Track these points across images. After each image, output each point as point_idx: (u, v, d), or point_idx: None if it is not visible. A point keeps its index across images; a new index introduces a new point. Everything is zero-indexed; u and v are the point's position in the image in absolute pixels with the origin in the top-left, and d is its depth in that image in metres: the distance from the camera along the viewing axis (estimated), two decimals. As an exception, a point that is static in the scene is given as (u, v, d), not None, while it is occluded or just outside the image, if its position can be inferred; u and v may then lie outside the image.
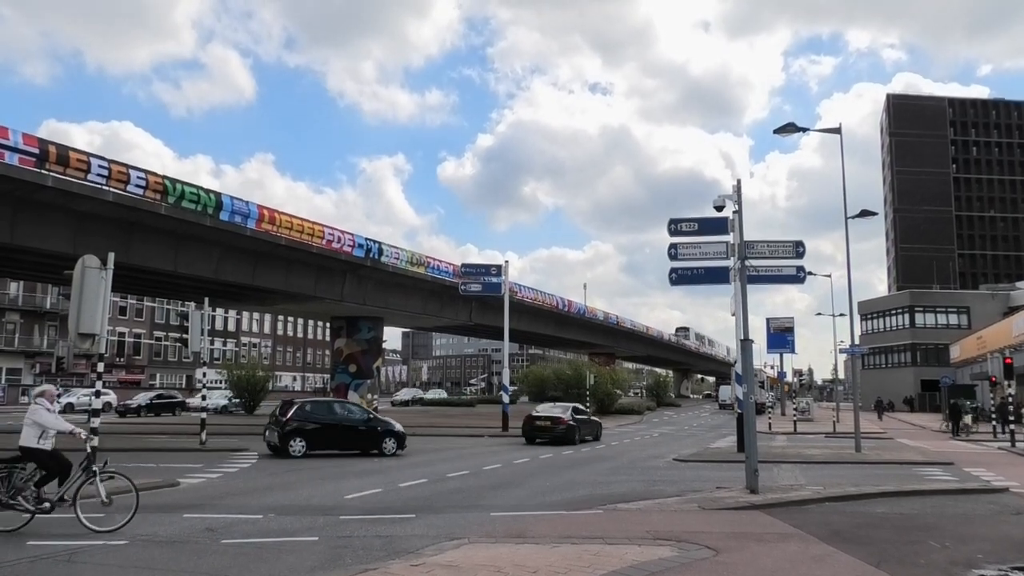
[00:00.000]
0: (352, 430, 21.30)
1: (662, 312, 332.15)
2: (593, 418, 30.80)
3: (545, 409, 28.72)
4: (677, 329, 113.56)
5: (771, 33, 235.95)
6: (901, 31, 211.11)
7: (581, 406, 31.75)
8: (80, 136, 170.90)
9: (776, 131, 19.37)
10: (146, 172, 24.11)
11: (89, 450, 9.60)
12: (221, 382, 56.94)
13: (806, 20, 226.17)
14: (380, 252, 34.99)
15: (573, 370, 55.19)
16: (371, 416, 22.69)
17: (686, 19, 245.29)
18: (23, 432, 9.47)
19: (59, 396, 45.31)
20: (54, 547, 8.40)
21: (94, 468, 9.57)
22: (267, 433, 21.23)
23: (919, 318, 77.13)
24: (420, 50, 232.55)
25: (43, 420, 9.42)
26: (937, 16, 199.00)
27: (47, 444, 9.44)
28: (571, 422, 26.59)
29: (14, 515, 9.34)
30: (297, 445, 20.02)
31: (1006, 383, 27.23)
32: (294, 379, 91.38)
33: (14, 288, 62.21)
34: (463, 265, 36.95)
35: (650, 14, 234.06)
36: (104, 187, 22.44)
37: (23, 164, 20.54)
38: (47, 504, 9.30)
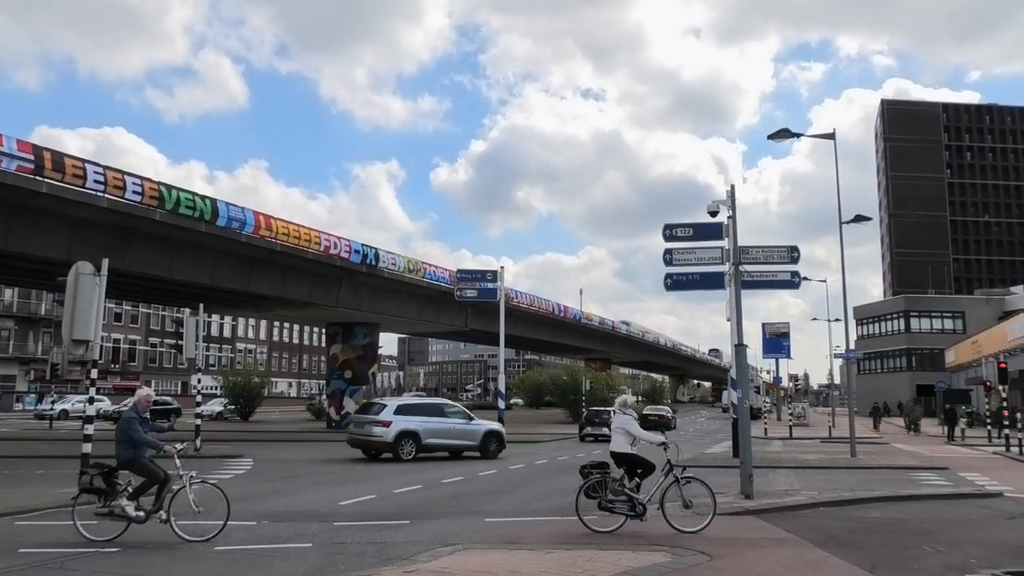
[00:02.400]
0: (656, 424, 33.85)
1: (657, 317, 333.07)
2: (673, 415, 48.39)
3: (653, 409, 48.56)
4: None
5: (761, 40, 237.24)
6: (889, 37, 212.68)
7: (669, 408, 54.54)
8: (72, 142, 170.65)
9: (771, 136, 19.41)
10: (142, 179, 24.09)
11: (668, 457, 10.12)
12: (217, 388, 56.78)
13: (795, 27, 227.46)
14: (376, 258, 34.97)
15: (569, 375, 55.12)
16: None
17: (677, 26, 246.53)
18: (615, 439, 10.26)
19: (53, 403, 45.26)
20: (46, 554, 8.36)
21: (674, 474, 10.04)
22: (588, 428, 31.81)
23: (914, 323, 77.22)
24: (412, 57, 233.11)
25: (634, 430, 10.21)
26: (923, 23, 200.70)
27: (635, 449, 10.18)
28: (669, 415, 44.78)
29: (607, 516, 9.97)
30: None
31: (1001, 388, 27.26)
32: (290, 385, 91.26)
33: (9, 294, 62.10)
34: (459, 271, 36.86)
35: (641, 21, 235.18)
36: (100, 194, 22.41)
37: (20, 171, 20.50)
38: (640, 507, 9.80)
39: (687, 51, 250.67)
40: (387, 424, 20.50)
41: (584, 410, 35.39)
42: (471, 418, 22.57)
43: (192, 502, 9.19)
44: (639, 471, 10.04)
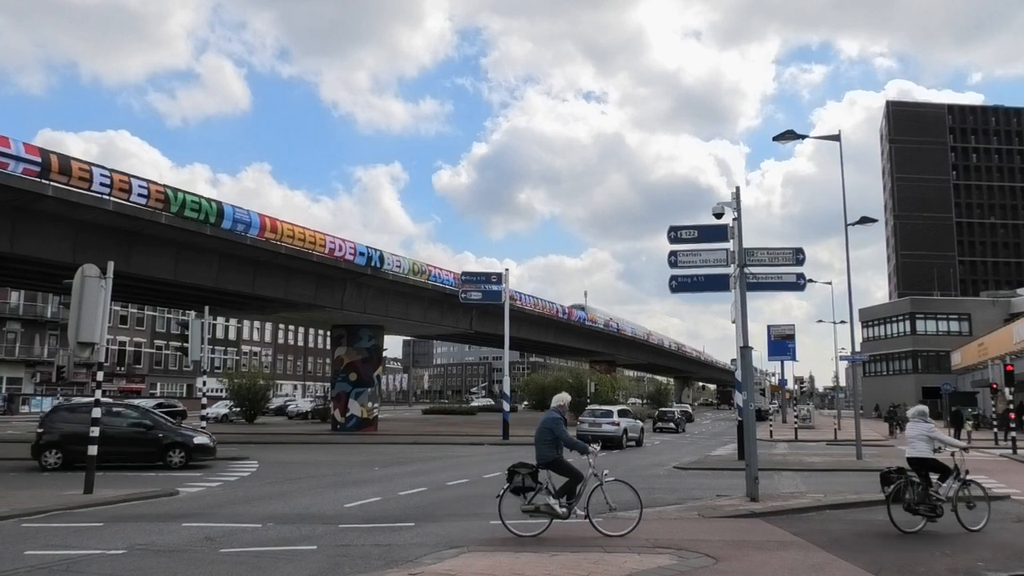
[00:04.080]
0: (685, 417, 48.91)
1: (661, 319, 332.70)
2: (688, 411, 58.14)
3: (678, 406, 60.42)
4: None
5: (762, 42, 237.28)
6: (889, 40, 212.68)
7: (688, 405, 69.87)
8: (76, 145, 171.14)
9: (776, 138, 19.38)
10: (148, 182, 24.14)
11: (957, 462, 10.63)
12: (222, 391, 56.79)
13: (795, 29, 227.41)
14: (381, 260, 34.97)
15: (574, 378, 55.02)
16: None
17: (677, 28, 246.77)
18: (916, 445, 10.69)
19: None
20: (52, 556, 8.38)
21: (961, 477, 10.61)
22: (659, 423, 43.09)
23: (920, 325, 76.97)
24: (413, 60, 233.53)
25: (939, 436, 10.73)
26: (923, 25, 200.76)
27: (935, 454, 10.68)
28: (691, 411, 59.94)
29: (913, 518, 10.46)
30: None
31: (1007, 390, 27.15)
32: (295, 387, 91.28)
33: (15, 297, 62.22)
34: (463, 273, 36.94)
35: (642, 23, 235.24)
36: (105, 197, 22.47)
37: (26, 174, 20.56)
38: (940, 509, 10.34)
39: (688, 53, 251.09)
40: (617, 424, 28.73)
41: (656, 410, 50.82)
42: (637, 418, 32.62)
43: (606, 499, 9.73)
44: (937, 475, 10.53)
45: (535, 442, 9.94)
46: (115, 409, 20.01)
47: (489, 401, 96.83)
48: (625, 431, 28.89)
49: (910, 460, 10.68)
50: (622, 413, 30.26)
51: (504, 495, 9.74)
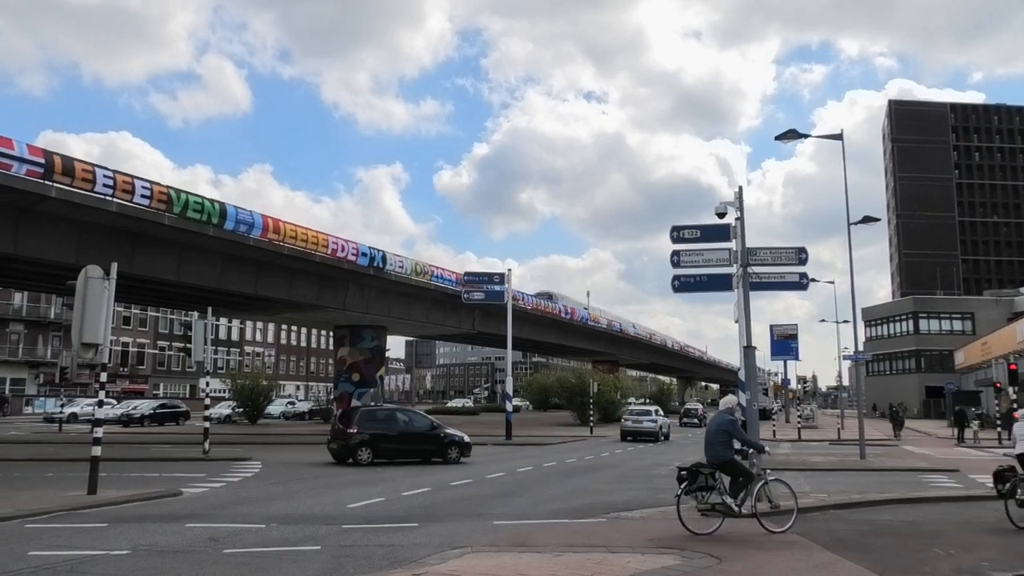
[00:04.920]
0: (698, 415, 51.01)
1: (662, 319, 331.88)
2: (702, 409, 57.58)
3: (691, 404, 62.70)
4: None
5: (762, 42, 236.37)
6: (889, 39, 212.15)
7: (700, 405, 65.32)
8: (78, 146, 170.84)
9: (778, 137, 19.36)
10: (150, 183, 24.16)
11: None
12: (225, 392, 56.85)
13: (795, 29, 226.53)
14: (384, 260, 34.99)
15: (577, 378, 55.01)
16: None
17: (678, 28, 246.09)
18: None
19: (62, 407, 45.48)
20: (56, 557, 8.39)
21: None
22: (685, 419, 49.75)
23: (923, 324, 76.83)
24: (414, 61, 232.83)
25: None
26: (923, 24, 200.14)
27: None
28: (702, 408, 57.23)
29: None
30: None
31: (1011, 389, 27.10)
32: (297, 388, 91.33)
33: (18, 298, 62.32)
34: (466, 274, 36.96)
35: (642, 23, 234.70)
36: (108, 197, 22.49)
37: (29, 175, 20.59)
38: None
39: (688, 53, 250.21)
40: (655, 421, 34.63)
41: (682, 408, 59.34)
42: (665, 417, 37.80)
43: (769, 497, 10.10)
44: None
45: (707, 443, 10.19)
46: (410, 414, 23.17)
47: (468, 402, 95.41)
48: (660, 427, 34.35)
49: (1020, 457, 11.06)
50: (657, 413, 36.68)
51: (681, 495, 9.95)
